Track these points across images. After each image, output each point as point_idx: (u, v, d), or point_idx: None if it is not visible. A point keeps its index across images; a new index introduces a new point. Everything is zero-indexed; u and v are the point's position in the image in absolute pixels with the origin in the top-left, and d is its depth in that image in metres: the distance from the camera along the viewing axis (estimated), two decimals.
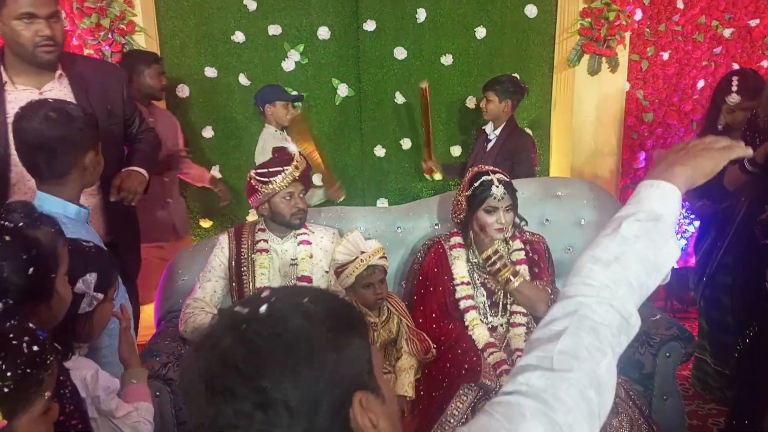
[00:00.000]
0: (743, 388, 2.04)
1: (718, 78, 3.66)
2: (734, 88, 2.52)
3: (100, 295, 1.26)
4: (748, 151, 0.93)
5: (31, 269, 1.01)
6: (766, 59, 3.77)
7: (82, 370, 1.21)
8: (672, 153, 0.91)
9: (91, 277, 1.23)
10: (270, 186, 2.04)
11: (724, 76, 2.71)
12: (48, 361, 0.87)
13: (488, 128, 3.12)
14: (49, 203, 1.45)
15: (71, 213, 1.52)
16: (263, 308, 0.64)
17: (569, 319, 0.77)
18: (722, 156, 0.89)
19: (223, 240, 2.19)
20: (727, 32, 3.67)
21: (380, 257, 2.03)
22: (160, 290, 2.35)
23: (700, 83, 3.72)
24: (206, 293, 2.12)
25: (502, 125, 3.04)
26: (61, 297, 1.11)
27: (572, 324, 0.76)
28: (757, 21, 3.68)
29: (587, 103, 3.47)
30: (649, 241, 0.82)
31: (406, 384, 1.94)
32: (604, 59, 3.42)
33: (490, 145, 3.07)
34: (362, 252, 2.05)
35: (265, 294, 0.68)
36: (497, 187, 2.05)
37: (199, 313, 2.06)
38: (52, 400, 0.89)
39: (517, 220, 2.18)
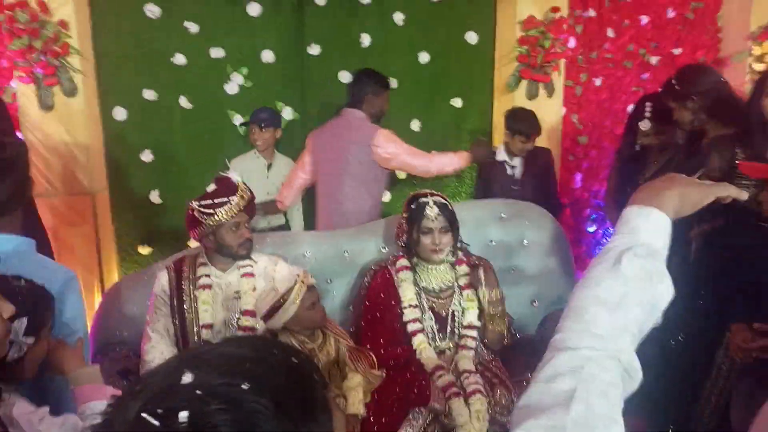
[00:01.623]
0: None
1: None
2: (647, 114, 2.61)
3: (31, 340, 1.17)
4: (743, 195, 0.88)
5: None
6: None
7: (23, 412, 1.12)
8: (658, 181, 0.87)
9: (20, 323, 1.14)
10: (215, 218, 1.98)
11: (638, 100, 2.81)
12: None
13: (502, 157, 3.11)
14: None
15: (18, 246, 1.39)
16: (183, 416, 0.47)
17: (576, 377, 0.68)
18: (710, 190, 0.85)
19: (163, 278, 2.11)
20: (653, 59, 3.89)
21: (311, 277, 2.06)
22: (95, 322, 2.24)
23: (630, 107, 3.91)
24: (160, 335, 2.05)
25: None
26: None
27: (581, 385, 0.67)
28: (680, 50, 3.93)
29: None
30: (648, 281, 0.76)
31: (356, 402, 1.91)
32: (541, 85, 3.55)
33: (517, 172, 3.11)
34: (297, 275, 2.04)
35: (185, 380, 0.50)
36: (431, 208, 2.09)
37: (159, 362, 1.98)
38: None
39: (464, 243, 2.22)
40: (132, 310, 2.26)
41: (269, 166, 3.16)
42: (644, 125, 2.61)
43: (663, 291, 0.78)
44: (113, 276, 3.26)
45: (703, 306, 2.00)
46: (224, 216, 1.98)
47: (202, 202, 2.00)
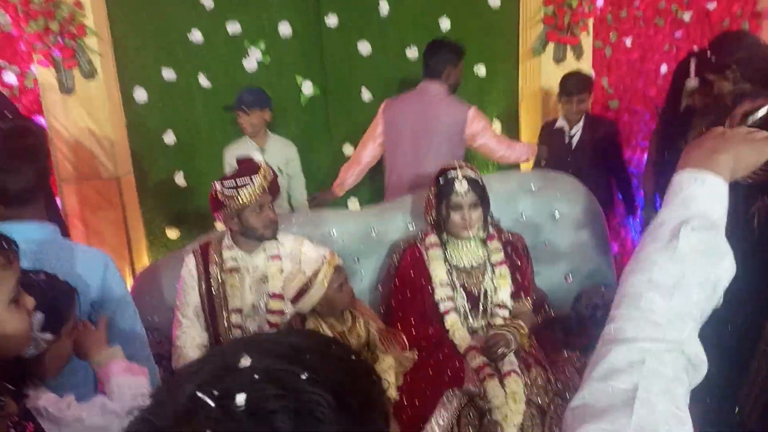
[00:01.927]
0: None
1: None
2: (692, 72, 2.51)
3: (49, 336, 1.15)
4: None
5: None
6: None
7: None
8: (708, 139, 0.79)
9: (37, 320, 1.11)
10: (238, 200, 1.95)
11: (682, 59, 2.71)
12: None
13: (562, 124, 3.07)
14: (19, 231, 1.32)
15: (48, 233, 1.37)
16: (240, 398, 0.45)
17: (636, 373, 0.62)
18: (766, 147, 0.77)
19: (190, 262, 2.10)
20: (686, 16, 3.70)
21: (338, 258, 2.03)
22: None
23: (663, 68, 3.75)
24: (190, 320, 2.05)
25: (581, 119, 3.04)
26: (4, 328, 0.98)
27: (642, 384, 0.61)
28: (714, 4, 3.72)
29: (555, 92, 3.46)
30: (708, 258, 0.69)
31: (388, 386, 1.90)
32: (568, 47, 3.41)
33: (574, 141, 3.04)
34: (324, 256, 2.01)
35: (243, 363, 0.48)
36: (460, 183, 2.02)
37: (190, 347, 2.00)
38: None
39: (494, 218, 2.16)
40: (162, 296, 2.27)
41: (263, 152, 2.92)
42: (690, 83, 2.50)
43: (725, 268, 0.70)
44: (143, 260, 3.28)
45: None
46: (247, 198, 1.95)
47: (225, 184, 1.97)
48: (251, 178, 1.95)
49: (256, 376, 0.47)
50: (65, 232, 2.20)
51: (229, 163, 2.90)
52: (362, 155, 2.95)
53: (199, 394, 0.45)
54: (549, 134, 3.11)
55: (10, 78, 2.99)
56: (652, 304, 0.67)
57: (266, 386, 0.46)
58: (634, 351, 0.64)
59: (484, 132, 2.81)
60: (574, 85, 2.98)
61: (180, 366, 1.95)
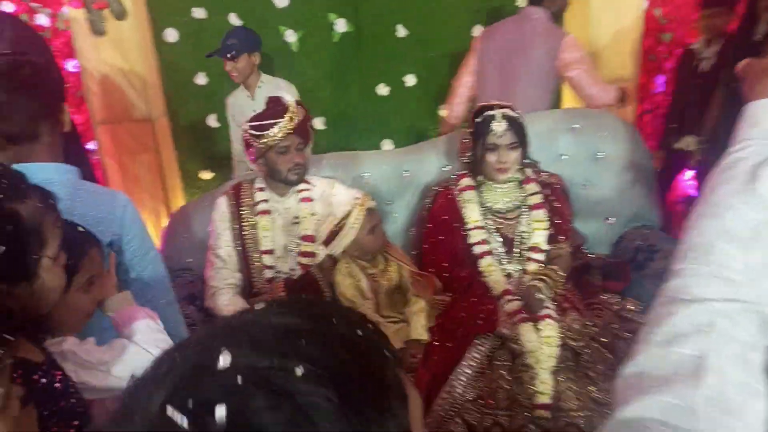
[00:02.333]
0: None
1: None
2: None
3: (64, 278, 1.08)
4: None
5: (2, 248, 0.90)
6: None
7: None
8: None
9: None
10: (263, 140, 1.91)
11: None
12: None
13: (698, 45, 2.83)
14: (35, 171, 1.30)
15: (62, 174, 1.31)
16: (220, 413, 0.36)
17: (705, 339, 0.54)
18: None
19: (222, 203, 2.10)
20: None
21: (371, 199, 1.99)
22: (162, 248, 2.28)
23: None
24: (223, 261, 2.05)
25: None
26: (44, 283, 0.97)
27: (712, 349, 0.53)
28: None
29: (603, 25, 3.25)
30: None
31: (419, 327, 1.88)
32: None
33: (704, 64, 2.82)
34: (356, 198, 1.98)
35: (222, 363, 0.39)
36: (499, 122, 1.92)
37: (223, 287, 2.00)
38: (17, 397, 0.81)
39: (532, 160, 2.05)
40: (196, 236, 2.28)
41: (253, 100, 2.76)
42: None
43: None
44: (179, 202, 3.31)
45: None
46: (272, 138, 1.90)
47: (252, 124, 1.93)
48: (276, 120, 1.89)
49: (239, 379, 0.38)
50: (91, 176, 2.20)
51: (231, 114, 2.84)
52: (457, 87, 2.80)
53: (169, 409, 0.37)
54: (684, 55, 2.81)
55: (43, 20, 2.97)
56: (727, 257, 0.57)
57: (252, 391, 0.37)
58: (703, 312, 0.55)
59: (578, 63, 2.55)
60: None
61: (215, 306, 1.97)
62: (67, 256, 1.05)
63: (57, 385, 0.95)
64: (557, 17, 2.69)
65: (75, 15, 2.94)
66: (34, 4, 2.99)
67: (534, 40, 2.57)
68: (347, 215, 1.95)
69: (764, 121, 0.63)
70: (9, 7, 2.81)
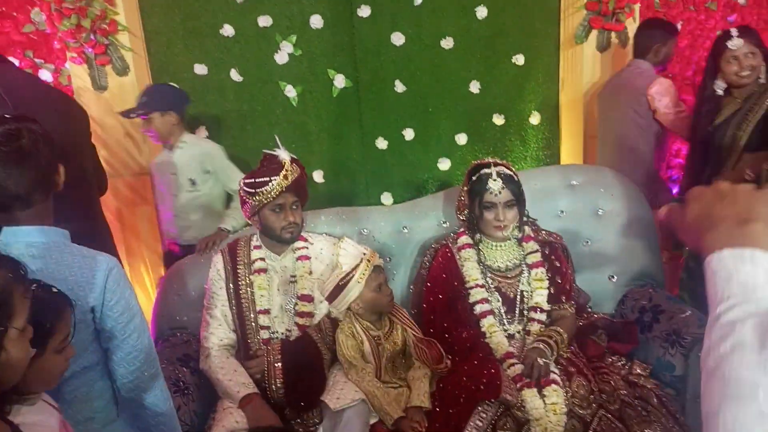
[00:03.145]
0: None
1: None
2: (734, 33, 2.39)
3: (31, 350, 1.05)
4: None
5: None
6: None
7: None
8: (707, 205, 0.66)
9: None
10: (257, 198, 1.90)
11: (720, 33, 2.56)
12: None
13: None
14: (22, 235, 1.29)
15: (51, 238, 1.30)
16: None
17: None
18: None
19: (218, 261, 2.07)
20: None
21: (378, 257, 1.96)
22: (155, 308, 2.24)
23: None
24: (218, 321, 2.01)
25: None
26: (10, 356, 0.94)
27: None
28: None
29: (598, 81, 3.30)
30: None
31: (421, 394, 1.83)
32: (613, 34, 3.24)
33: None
34: (363, 253, 1.95)
35: None
36: (495, 180, 1.92)
37: (218, 348, 1.96)
38: None
39: (531, 218, 2.04)
40: (191, 294, 2.24)
41: (176, 159, 2.70)
42: (734, 43, 2.35)
43: None
44: None
45: None
46: (265, 196, 1.89)
47: (246, 181, 1.93)
48: (270, 177, 1.89)
49: None
50: (90, 234, 2.15)
51: (153, 174, 2.83)
52: None
53: None
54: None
55: (46, 75, 3.01)
56: None
57: None
58: None
59: (667, 109, 2.85)
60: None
61: (209, 369, 1.90)
62: (43, 319, 1.03)
63: None
64: (662, 66, 3.03)
65: (77, 71, 2.98)
66: (37, 60, 3.03)
67: (634, 83, 2.89)
68: (354, 269, 1.92)
69: (737, 272, 0.61)
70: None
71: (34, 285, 1.11)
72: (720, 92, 2.44)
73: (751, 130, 2.35)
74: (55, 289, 1.15)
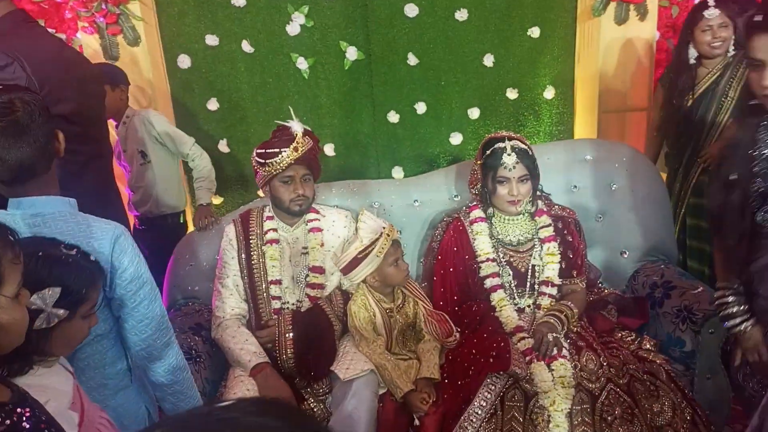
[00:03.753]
0: None
1: None
2: (711, 2, 2.39)
3: (62, 312, 1.10)
4: None
5: None
6: None
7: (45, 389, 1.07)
8: None
9: (51, 293, 1.07)
10: (267, 168, 1.90)
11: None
12: None
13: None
14: (27, 205, 1.27)
15: (58, 207, 1.30)
16: None
17: None
18: None
19: (230, 231, 2.07)
20: None
21: (396, 231, 1.96)
22: (167, 278, 2.26)
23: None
24: (230, 291, 2.02)
25: None
26: (1, 322, 0.94)
27: None
28: None
29: (614, 55, 3.23)
30: None
31: (431, 366, 1.84)
32: (632, 6, 3.16)
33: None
34: (383, 227, 1.95)
35: None
36: (509, 155, 1.90)
37: (230, 318, 1.97)
38: None
39: (544, 193, 2.02)
40: (203, 264, 2.25)
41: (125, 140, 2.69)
42: (710, 13, 2.38)
43: None
44: (189, 227, 3.29)
45: None
46: (274, 167, 1.89)
47: (258, 151, 1.93)
48: (280, 149, 1.88)
49: None
50: (104, 203, 2.15)
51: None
52: None
53: None
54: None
55: None
56: None
57: None
58: None
59: None
60: None
61: (221, 338, 1.92)
62: (77, 284, 1.06)
63: (25, 424, 0.90)
64: None
65: (89, 41, 2.96)
66: (49, 30, 3.02)
67: None
68: (373, 243, 1.92)
69: None
70: None
71: (74, 250, 1.14)
72: (693, 61, 2.51)
73: (734, 99, 2.44)
74: (93, 257, 1.18)
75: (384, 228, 1.92)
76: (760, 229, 1.42)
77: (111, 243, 1.30)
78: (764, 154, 1.40)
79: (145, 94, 3.05)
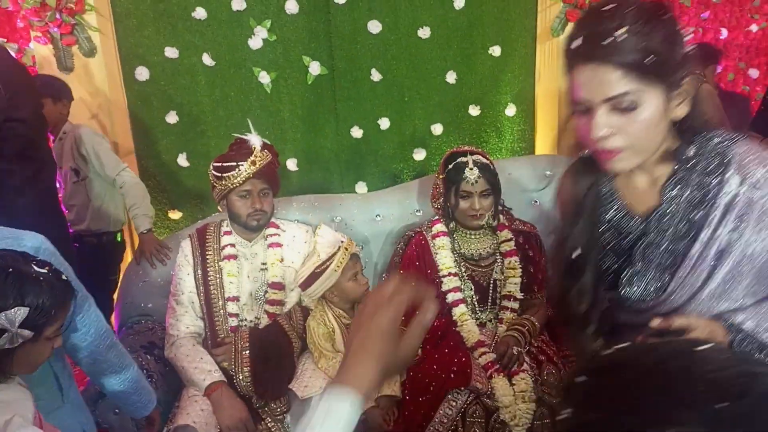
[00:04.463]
0: None
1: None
2: None
3: (27, 332, 1.05)
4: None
5: None
6: (755, 23, 3.62)
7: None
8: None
9: (19, 313, 1.03)
10: (224, 182, 1.86)
11: None
12: None
13: None
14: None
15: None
16: None
17: None
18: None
19: (186, 246, 2.01)
20: None
21: (355, 245, 1.93)
22: (120, 293, 2.17)
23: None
24: (185, 308, 1.95)
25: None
26: None
27: None
28: None
29: None
30: None
31: (392, 383, 1.80)
32: None
33: None
34: (341, 241, 1.92)
35: None
36: (471, 169, 1.90)
37: (184, 336, 1.90)
38: None
39: (506, 207, 2.03)
40: (157, 280, 2.18)
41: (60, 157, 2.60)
42: None
43: None
44: (127, 246, 3.20)
45: None
46: (231, 182, 1.85)
47: (214, 164, 1.88)
48: (237, 162, 1.84)
49: None
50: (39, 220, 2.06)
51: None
52: None
53: None
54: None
55: None
56: None
57: None
58: None
59: None
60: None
61: (175, 358, 1.85)
62: (46, 304, 1.03)
63: None
64: None
65: (42, 51, 2.87)
66: (0, 39, 2.92)
67: None
68: (331, 258, 1.89)
69: None
70: None
71: (46, 268, 1.09)
72: None
73: None
74: (64, 277, 1.13)
75: (342, 242, 1.89)
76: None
77: (31, 253, 1.25)
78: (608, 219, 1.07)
79: (100, 106, 2.97)
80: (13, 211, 1.37)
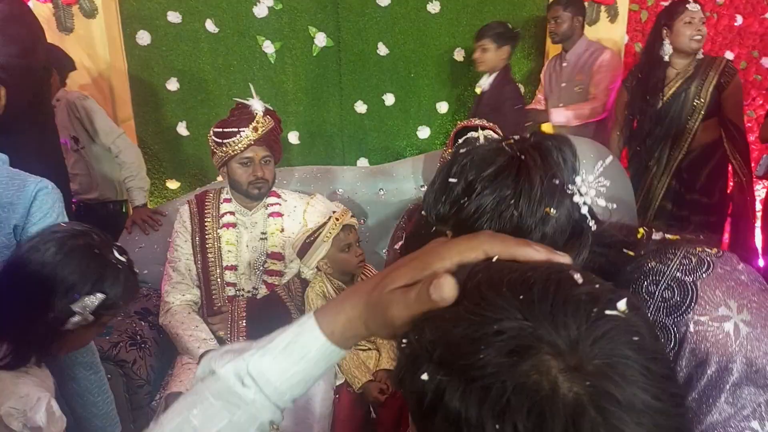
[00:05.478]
0: None
1: (722, 30, 3.46)
2: None
3: (91, 318, 1.04)
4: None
5: None
6: None
7: (30, 392, 0.99)
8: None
9: (94, 300, 1.02)
10: (224, 149, 1.80)
11: None
12: None
13: (483, 81, 2.86)
14: None
15: None
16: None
17: None
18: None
19: (184, 213, 1.96)
20: None
21: (351, 216, 1.89)
22: None
23: None
24: (181, 275, 1.90)
25: (494, 75, 2.80)
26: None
27: None
28: None
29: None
30: None
31: (391, 356, 1.77)
32: (602, 8, 3.18)
33: (484, 97, 2.84)
34: (333, 212, 1.88)
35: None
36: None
37: (179, 304, 1.85)
38: None
39: None
40: (154, 247, 2.13)
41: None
42: (693, 6, 2.42)
43: None
44: None
45: None
46: (232, 148, 1.79)
47: (215, 130, 1.82)
48: (239, 128, 1.78)
49: None
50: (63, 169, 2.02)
51: None
52: None
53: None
54: None
55: None
56: None
57: None
58: None
59: None
60: (484, 32, 2.78)
61: (170, 325, 1.81)
62: (115, 293, 1.05)
63: None
64: None
65: (41, 10, 2.80)
66: None
67: None
68: (321, 227, 1.85)
69: None
70: None
71: (125, 257, 1.10)
72: (666, 58, 2.51)
73: (708, 100, 2.48)
74: (136, 269, 1.14)
75: (334, 212, 1.85)
76: None
77: (31, 195, 1.22)
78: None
79: (99, 71, 2.90)
80: (21, 156, 1.35)
